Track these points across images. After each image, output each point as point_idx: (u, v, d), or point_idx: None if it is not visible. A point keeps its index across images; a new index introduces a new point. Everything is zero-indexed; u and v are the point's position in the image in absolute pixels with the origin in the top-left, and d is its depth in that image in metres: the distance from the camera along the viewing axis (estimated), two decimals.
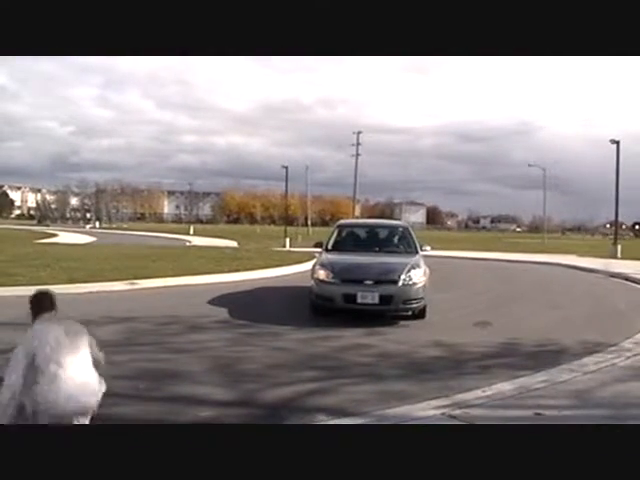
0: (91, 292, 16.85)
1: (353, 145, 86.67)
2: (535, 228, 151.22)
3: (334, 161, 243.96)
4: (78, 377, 4.94)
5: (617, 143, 47.29)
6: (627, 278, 24.94)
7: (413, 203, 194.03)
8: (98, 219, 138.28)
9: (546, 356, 10.09)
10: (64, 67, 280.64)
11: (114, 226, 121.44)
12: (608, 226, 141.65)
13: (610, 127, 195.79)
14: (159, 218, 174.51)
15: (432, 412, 6.72)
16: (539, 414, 6.63)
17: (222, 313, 13.97)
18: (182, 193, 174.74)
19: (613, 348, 10.52)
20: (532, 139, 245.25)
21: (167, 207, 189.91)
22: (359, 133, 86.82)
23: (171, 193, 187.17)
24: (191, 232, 79.82)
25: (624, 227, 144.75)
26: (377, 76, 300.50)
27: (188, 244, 50.08)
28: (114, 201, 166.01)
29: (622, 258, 39.37)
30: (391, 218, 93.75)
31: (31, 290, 16.13)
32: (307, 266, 15.37)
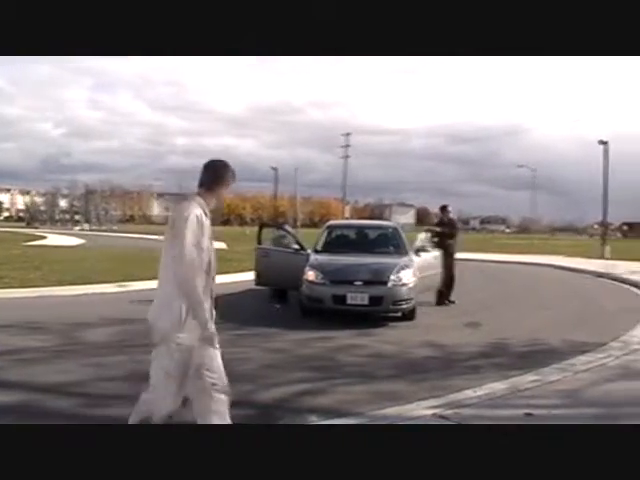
0: (81, 294, 16.81)
1: (343, 147, 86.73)
2: (524, 229, 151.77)
3: (324, 162, 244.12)
4: None
5: (605, 144, 47.60)
6: (615, 278, 25.06)
7: (403, 204, 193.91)
8: (87, 221, 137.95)
9: (536, 356, 10.14)
10: (56, 69, 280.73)
11: (103, 228, 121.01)
12: (597, 226, 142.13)
13: (599, 128, 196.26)
14: (148, 220, 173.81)
15: (423, 412, 6.75)
16: (530, 414, 6.67)
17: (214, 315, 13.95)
18: (172, 195, 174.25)
19: (602, 348, 10.58)
20: (522, 140, 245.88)
21: (156, 209, 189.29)
22: (348, 135, 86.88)
23: (160, 195, 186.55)
24: None
25: (612, 227, 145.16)
26: (368, 78, 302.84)
27: None
28: (103, 203, 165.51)
29: (610, 258, 39.55)
30: (381, 219, 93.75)
31: (21, 292, 16.03)
32: None
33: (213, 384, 4.74)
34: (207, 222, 4.79)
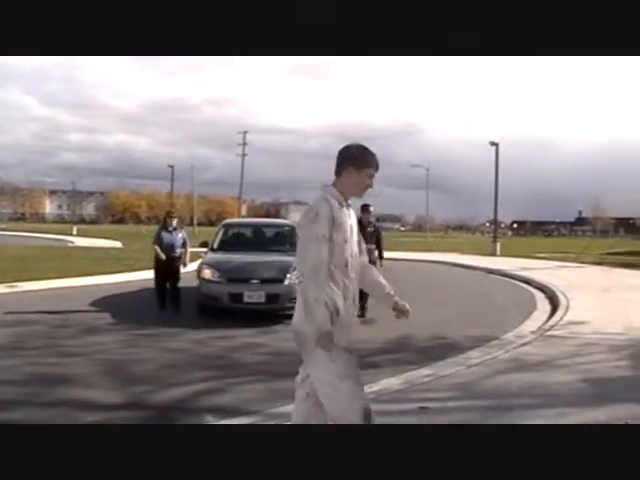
0: None
1: (240, 145, 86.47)
2: (419, 227, 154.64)
3: (221, 161, 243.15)
4: None
5: (496, 145, 48.98)
6: (505, 275, 25.86)
7: (299, 203, 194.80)
8: None
9: (432, 351, 10.36)
10: None
11: None
12: (488, 224, 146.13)
13: (490, 130, 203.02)
14: (40, 218, 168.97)
15: None
16: (424, 407, 6.81)
17: (110, 315, 13.74)
18: (65, 192, 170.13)
19: (495, 342, 10.91)
20: (416, 141, 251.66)
21: (49, 207, 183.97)
22: (245, 133, 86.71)
23: (53, 192, 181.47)
24: (74, 232, 77.52)
25: (503, 225, 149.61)
26: (264, 77, 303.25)
27: (71, 245, 48.91)
28: None
29: (501, 255, 40.81)
30: (277, 218, 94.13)
31: None
32: (194, 266, 15.39)
33: (357, 391, 4.47)
34: (345, 213, 4.41)
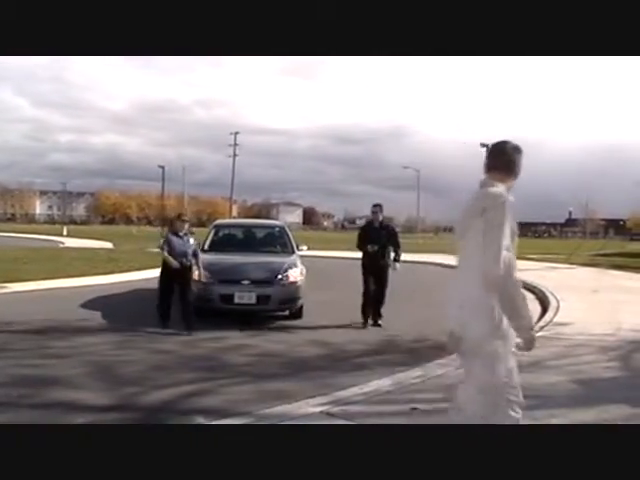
0: None
1: (231, 146, 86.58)
2: (409, 228, 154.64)
3: (212, 162, 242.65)
4: None
5: (487, 147, 49.01)
6: None
7: (290, 204, 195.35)
8: None
9: (422, 352, 10.37)
10: None
11: None
12: None
13: (480, 132, 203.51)
14: (31, 219, 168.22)
15: (311, 410, 6.79)
16: (415, 408, 6.81)
17: (100, 316, 13.68)
18: (55, 193, 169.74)
19: None
20: (407, 142, 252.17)
21: (39, 207, 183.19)
22: (236, 134, 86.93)
23: (43, 193, 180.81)
24: (64, 233, 77.15)
25: None
26: (255, 78, 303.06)
27: (61, 245, 48.68)
28: None
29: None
30: (268, 218, 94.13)
31: None
32: None
33: (510, 400, 4.21)
34: None
